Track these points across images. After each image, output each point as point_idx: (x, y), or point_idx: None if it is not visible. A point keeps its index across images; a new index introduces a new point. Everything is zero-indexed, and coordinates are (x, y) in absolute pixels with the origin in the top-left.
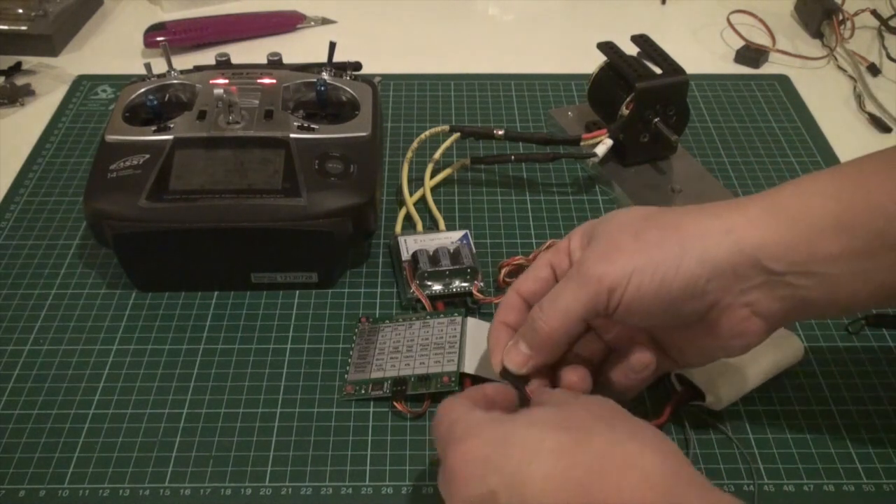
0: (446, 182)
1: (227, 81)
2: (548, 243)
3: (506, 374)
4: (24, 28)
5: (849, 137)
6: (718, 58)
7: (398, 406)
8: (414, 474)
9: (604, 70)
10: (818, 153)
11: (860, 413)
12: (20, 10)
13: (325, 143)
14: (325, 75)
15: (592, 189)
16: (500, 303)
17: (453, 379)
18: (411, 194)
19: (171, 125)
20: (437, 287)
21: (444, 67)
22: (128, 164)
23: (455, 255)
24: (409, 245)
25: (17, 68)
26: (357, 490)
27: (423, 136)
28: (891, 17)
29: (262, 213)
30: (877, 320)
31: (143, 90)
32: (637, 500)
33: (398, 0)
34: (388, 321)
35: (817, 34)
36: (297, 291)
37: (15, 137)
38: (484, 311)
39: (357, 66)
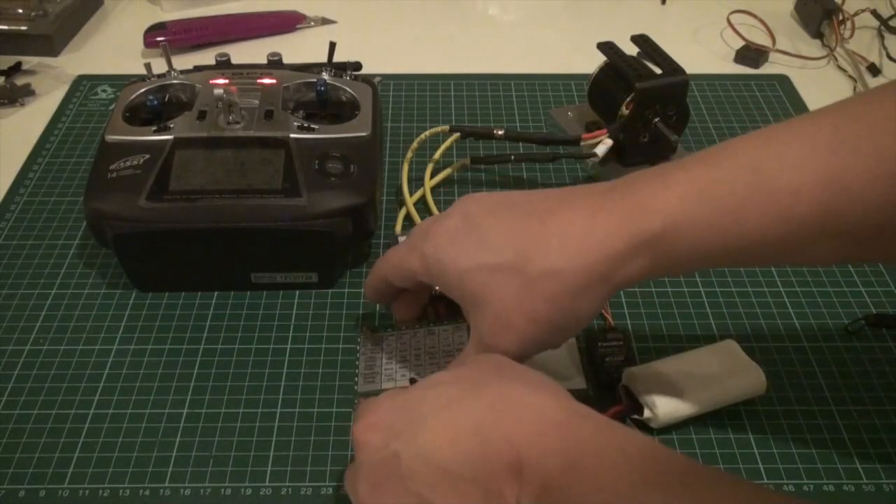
0: (446, 182)
1: (227, 81)
2: None
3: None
4: (24, 28)
5: None
6: (718, 58)
7: None
8: None
9: (604, 70)
10: None
11: (860, 413)
12: (20, 10)
13: (325, 143)
14: (325, 75)
15: None
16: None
17: None
18: (411, 194)
19: (171, 125)
20: (437, 287)
21: (444, 67)
22: (128, 164)
23: None
24: None
25: (17, 68)
26: None
27: (423, 136)
28: (891, 17)
29: (262, 213)
30: (877, 320)
31: (143, 90)
32: (536, 431)
33: (398, 0)
34: (390, 330)
35: (817, 34)
36: (297, 291)
37: (15, 137)
38: None
39: (357, 66)
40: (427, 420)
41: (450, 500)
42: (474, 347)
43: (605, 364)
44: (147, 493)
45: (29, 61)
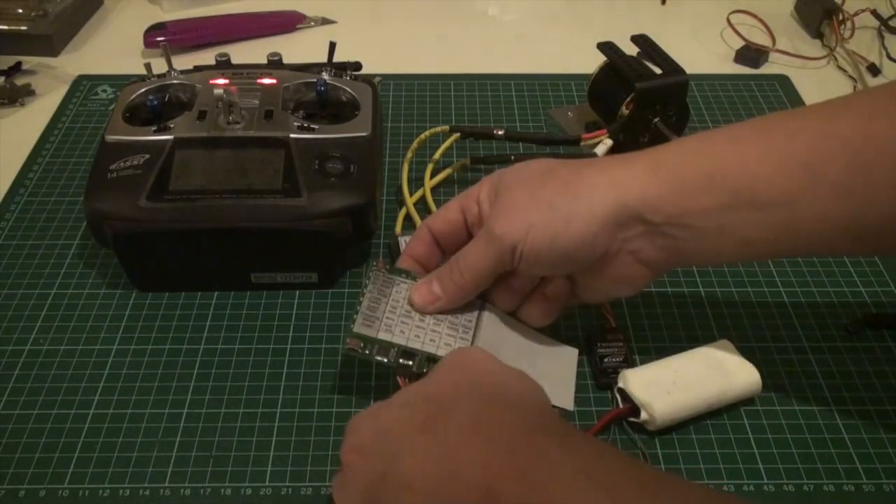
0: (446, 182)
1: (227, 81)
2: None
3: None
4: (24, 28)
5: None
6: (718, 58)
7: (400, 381)
8: None
9: (604, 70)
10: None
11: (860, 413)
12: (20, 10)
13: (325, 143)
14: (325, 75)
15: None
16: (412, 236)
17: None
18: (411, 194)
19: (171, 125)
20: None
21: (444, 67)
22: (128, 164)
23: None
24: None
25: (17, 68)
26: None
27: (423, 136)
28: (891, 17)
29: (262, 213)
30: (877, 320)
31: (143, 90)
32: (505, 449)
33: (398, 0)
34: (405, 275)
35: (817, 34)
36: (297, 291)
37: (15, 137)
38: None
39: (357, 66)
40: (403, 446)
41: None
42: (483, 237)
43: (603, 364)
44: (147, 492)
45: (29, 61)
